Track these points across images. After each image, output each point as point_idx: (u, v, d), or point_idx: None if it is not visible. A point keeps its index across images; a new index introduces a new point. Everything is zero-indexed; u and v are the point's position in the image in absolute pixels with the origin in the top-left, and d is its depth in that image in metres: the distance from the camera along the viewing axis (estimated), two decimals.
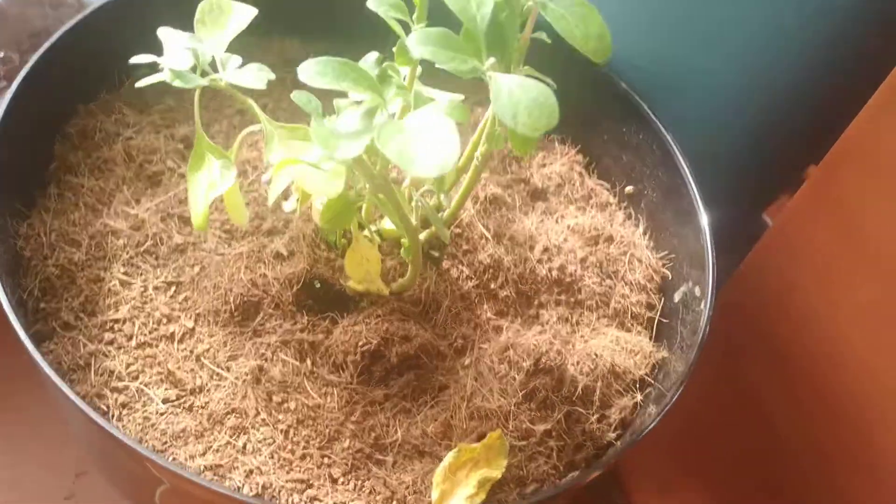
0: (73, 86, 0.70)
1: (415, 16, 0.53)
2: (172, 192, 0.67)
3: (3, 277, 0.57)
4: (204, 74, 0.50)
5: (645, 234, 0.73)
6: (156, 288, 0.63)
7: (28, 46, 0.72)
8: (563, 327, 0.66)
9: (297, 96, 0.57)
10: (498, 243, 0.68)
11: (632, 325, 0.68)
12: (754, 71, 0.74)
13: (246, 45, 0.79)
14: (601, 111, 0.77)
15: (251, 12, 0.55)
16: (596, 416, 0.62)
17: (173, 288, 0.63)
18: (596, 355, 0.63)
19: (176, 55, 0.47)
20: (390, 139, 0.40)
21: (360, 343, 0.60)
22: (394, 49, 0.52)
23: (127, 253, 0.64)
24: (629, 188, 0.76)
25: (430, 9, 0.54)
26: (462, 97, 0.48)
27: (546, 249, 0.68)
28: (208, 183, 0.48)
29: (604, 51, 0.44)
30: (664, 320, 0.68)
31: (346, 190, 0.57)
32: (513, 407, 0.60)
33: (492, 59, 0.42)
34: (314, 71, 0.42)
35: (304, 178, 0.47)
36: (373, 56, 0.48)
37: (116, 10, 0.70)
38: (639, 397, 0.63)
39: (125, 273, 0.63)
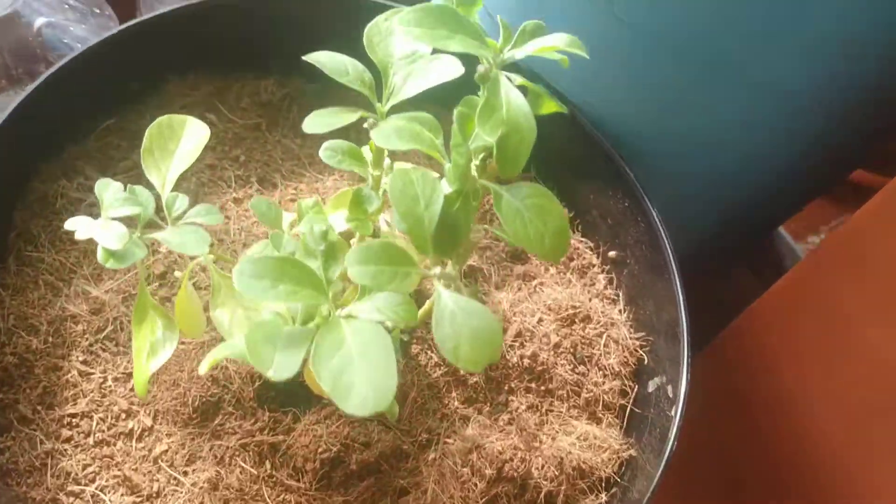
0: (37, 144, 0.67)
1: (371, 161, 0.49)
2: (135, 270, 0.65)
3: None
4: (148, 225, 0.47)
5: (624, 309, 0.71)
6: (115, 379, 0.61)
7: None
8: (532, 417, 0.64)
9: (255, 205, 0.55)
10: None
11: (603, 414, 0.66)
12: (749, 145, 0.71)
13: (219, 90, 0.76)
14: (588, 169, 0.73)
15: (204, 133, 0.51)
16: None
17: (133, 380, 0.62)
18: (562, 458, 0.62)
19: (110, 231, 0.44)
20: (325, 362, 0.38)
21: (320, 450, 0.59)
22: None
23: (86, 340, 0.62)
24: (612, 253, 0.73)
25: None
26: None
27: (519, 334, 0.66)
28: (150, 346, 0.46)
29: (561, 249, 0.41)
30: (637, 410, 0.67)
31: None
32: None
33: (437, 269, 0.40)
34: (250, 274, 0.39)
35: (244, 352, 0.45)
36: (319, 228, 0.45)
37: (80, 65, 0.67)
38: (603, 498, 0.63)
39: (84, 362, 0.62)
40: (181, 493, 0.58)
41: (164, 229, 0.47)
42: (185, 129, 0.52)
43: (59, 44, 0.71)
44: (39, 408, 0.60)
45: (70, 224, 0.46)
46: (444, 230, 0.41)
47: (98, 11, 0.75)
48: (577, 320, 0.69)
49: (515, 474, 0.60)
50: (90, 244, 0.65)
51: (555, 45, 0.44)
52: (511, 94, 0.42)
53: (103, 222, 0.45)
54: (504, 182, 0.42)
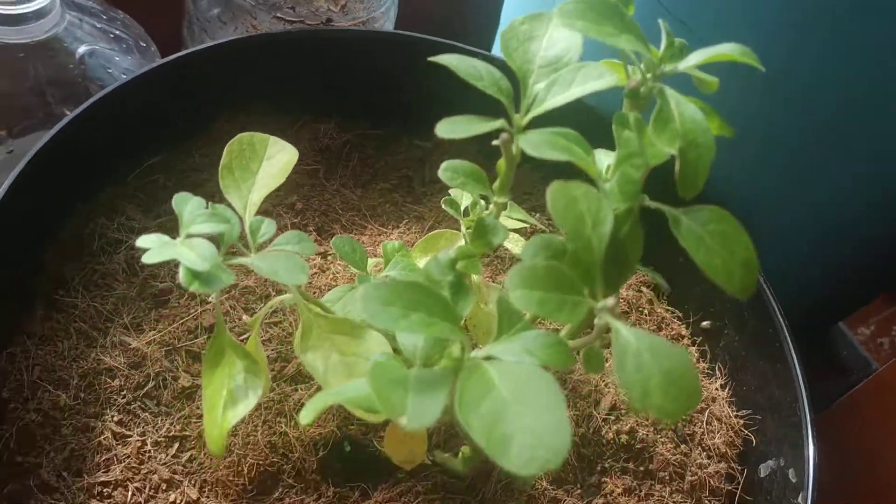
0: (73, 181, 0.60)
1: (496, 185, 0.42)
2: (180, 320, 0.57)
3: None
4: (229, 254, 0.39)
5: (725, 386, 0.63)
6: (156, 444, 0.53)
7: (21, 122, 0.62)
8: (629, 502, 0.56)
9: (337, 245, 0.48)
10: None
11: (709, 501, 0.58)
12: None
13: (274, 132, 0.69)
14: None
15: (290, 156, 0.45)
16: None
17: (176, 444, 0.53)
18: None
19: (194, 251, 0.36)
20: (474, 410, 0.30)
21: None
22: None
23: (123, 397, 0.54)
24: (706, 323, 0.66)
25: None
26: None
27: (614, 407, 0.59)
28: (226, 393, 0.38)
29: (749, 283, 0.34)
30: (746, 497, 0.58)
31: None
32: None
33: (610, 301, 0.32)
34: (377, 300, 0.32)
35: (343, 401, 0.37)
36: (446, 255, 0.37)
37: (123, 96, 0.60)
38: None
39: (120, 422, 0.53)
40: None
41: (247, 256, 0.40)
42: (267, 148, 0.45)
43: (104, 73, 0.64)
44: (65, 474, 0.51)
45: (142, 241, 0.38)
46: (613, 256, 0.34)
47: (144, 45, 0.69)
48: None
49: None
50: (129, 290, 0.58)
51: (728, 53, 0.38)
52: (682, 107, 0.36)
53: (183, 240, 0.38)
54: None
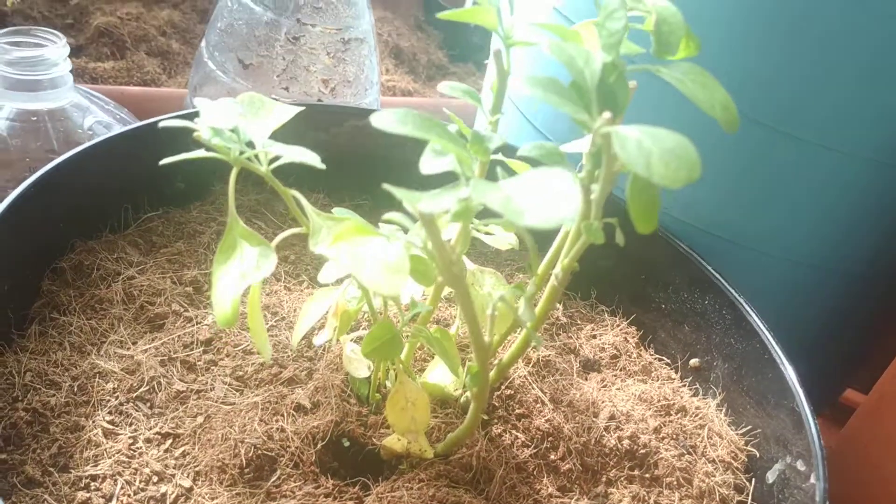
0: (71, 220, 0.62)
1: (489, 108, 0.46)
2: (177, 335, 0.57)
3: None
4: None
5: (721, 408, 0.63)
6: (147, 440, 0.51)
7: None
8: None
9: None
10: (556, 409, 0.58)
11: None
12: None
13: (268, 199, 0.73)
14: (658, 278, 0.69)
15: (293, 109, 0.48)
16: None
17: (169, 441, 0.51)
18: None
19: (217, 113, 0.39)
20: (489, 191, 0.32)
21: None
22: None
23: (116, 398, 0.53)
24: (694, 360, 0.66)
25: None
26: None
27: (613, 417, 0.58)
28: (240, 273, 0.39)
29: (732, 120, 0.37)
30: None
31: (391, 321, 0.48)
32: None
33: (607, 114, 0.35)
34: (394, 119, 0.34)
35: (360, 270, 0.37)
36: (454, 127, 0.40)
37: (122, 144, 0.63)
38: None
39: (111, 422, 0.52)
40: None
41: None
42: (274, 106, 0.48)
43: None
44: (51, 469, 0.49)
45: (166, 122, 0.40)
46: (604, 89, 0.37)
47: None
48: (672, 411, 0.60)
49: None
50: (125, 313, 0.58)
51: None
52: None
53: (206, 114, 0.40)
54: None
